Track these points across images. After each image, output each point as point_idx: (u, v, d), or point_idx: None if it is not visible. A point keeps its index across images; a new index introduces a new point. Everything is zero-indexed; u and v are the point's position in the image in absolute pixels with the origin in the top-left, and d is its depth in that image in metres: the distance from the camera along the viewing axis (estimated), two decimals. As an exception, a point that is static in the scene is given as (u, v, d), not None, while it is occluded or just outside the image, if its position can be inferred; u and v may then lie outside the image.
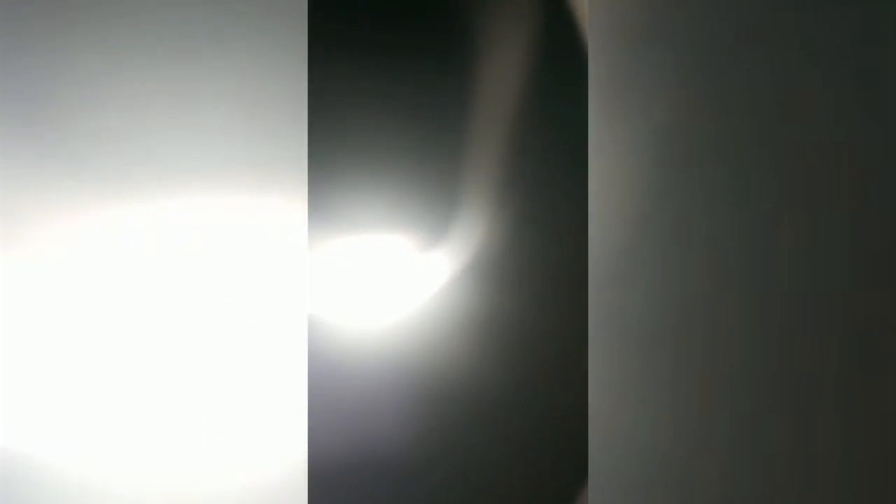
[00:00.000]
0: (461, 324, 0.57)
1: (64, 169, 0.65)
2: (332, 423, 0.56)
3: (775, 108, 0.67)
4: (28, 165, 0.65)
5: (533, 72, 0.58)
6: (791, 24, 0.67)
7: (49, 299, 0.65)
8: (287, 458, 0.65)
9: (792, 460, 0.67)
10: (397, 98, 0.56)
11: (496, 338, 0.57)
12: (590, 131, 0.67)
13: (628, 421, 0.67)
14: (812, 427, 0.67)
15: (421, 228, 0.56)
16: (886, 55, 0.67)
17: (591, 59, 0.67)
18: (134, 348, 0.66)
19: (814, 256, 0.67)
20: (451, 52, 0.57)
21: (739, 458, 0.67)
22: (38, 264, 0.65)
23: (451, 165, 0.56)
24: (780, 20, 0.67)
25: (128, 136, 0.65)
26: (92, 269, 0.65)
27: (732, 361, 0.67)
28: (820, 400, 0.67)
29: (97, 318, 0.65)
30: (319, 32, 0.56)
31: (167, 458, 0.65)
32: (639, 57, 0.67)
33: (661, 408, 0.67)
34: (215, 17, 0.65)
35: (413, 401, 0.56)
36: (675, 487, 0.67)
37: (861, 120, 0.67)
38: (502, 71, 0.57)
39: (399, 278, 0.56)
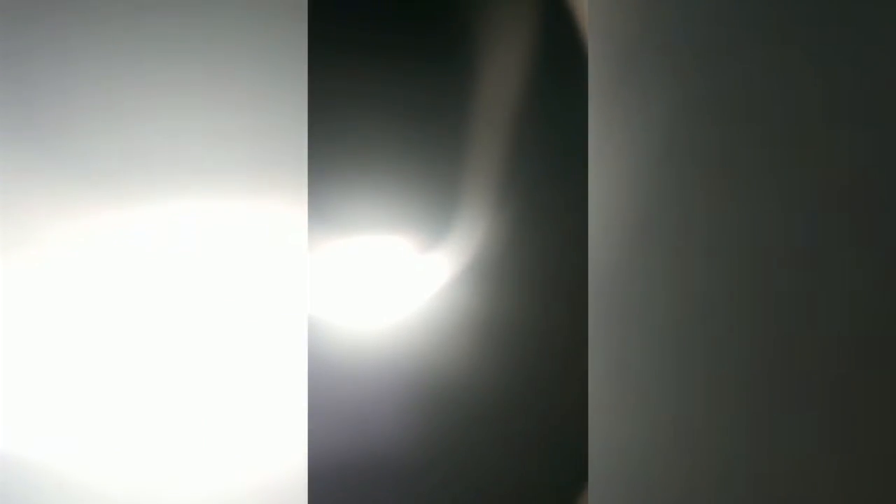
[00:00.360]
0: (461, 324, 0.57)
1: (64, 172, 0.65)
2: (332, 424, 0.56)
3: (775, 108, 0.67)
4: (29, 168, 0.65)
5: (533, 72, 0.58)
6: (790, 25, 0.67)
7: (50, 301, 0.65)
8: (287, 458, 0.65)
9: (792, 460, 0.67)
10: (397, 99, 0.56)
11: (496, 338, 0.57)
12: (590, 131, 0.67)
13: (628, 421, 0.67)
14: (812, 427, 0.67)
15: (421, 229, 0.56)
16: (886, 55, 0.67)
17: (591, 59, 0.67)
18: (134, 349, 0.66)
19: (814, 256, 0.67)
20: (451, 52, 0.57)
21: (739, 458, 0.67)
22: (38, 267, 0.65)
23: (451, 166, 0.56)
24: (779, 20, 0.67)
25: (127, 137, 0.65)
26: (92, 272, 0.65)
27: (732, 361, 0.67)
28: (820, 400, 0.67)
29: (98, 319, 0.66)
30: (319, 32, 0.56)
31: (167, 459, 0.66)
32: (639, 57, 0.67)
33: (661, 408, 0.67)
34: (215, 17, 0.65)
35: (413, 401, 0.56)
36: (675, 488, 0.67)
37: (861, 120, 0.67)
38: (502, 71, 0.57)
39: (399, 279, 0.56)
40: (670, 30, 0.67)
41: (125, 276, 0.65)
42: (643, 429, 0.67)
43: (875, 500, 0.67)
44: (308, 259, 0.56)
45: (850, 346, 0.67)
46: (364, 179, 0.56)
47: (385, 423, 0.56)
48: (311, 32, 0.56)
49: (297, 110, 0.66)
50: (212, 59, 0.65)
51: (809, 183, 0.67)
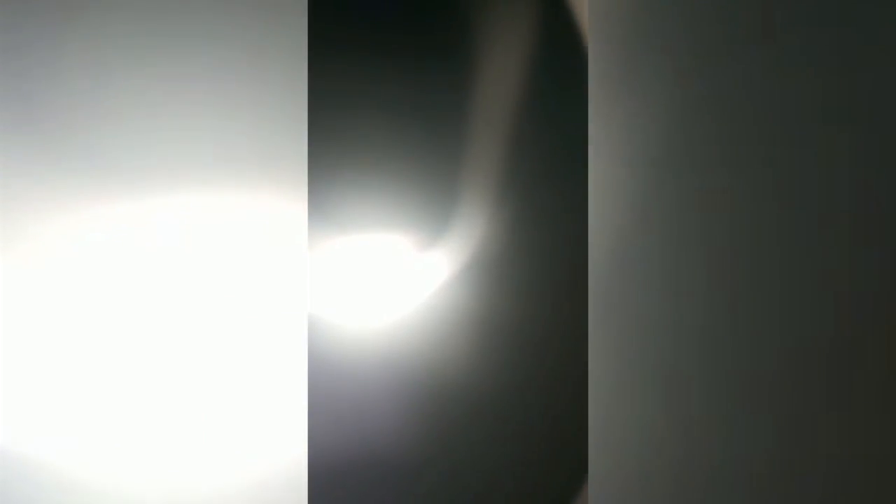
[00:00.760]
0: (461, 323, 0.57)
1: (64, 168, 0.65)
2: (332, 423, 0.56)
3: (774, 108, 0.67)
4: (29, 164, 0.65)
5: (533, 72, 0.58)
6: (790, 25, 0.67)
7: (49, 298, 0.65)
8: (287, 457, 0.66)
9: (791, 460, 0.67)
10: (397, 98, 0.57)
11: (496, 337, 0.57)
12: (590, 131, 0.67)
13: (628, 421, 0.67)
14: (812, 427, 0.67)
15: (421, 228, 0.56)
16: (886, 56, 0.67)
17: (591, 59, 0.67)
18: (134, 347, 0.66)
19: (813, 256, 0.67)
20: (450, 52, 0.57)
21: (739, 457, 0.67)
22: (38, 263, 0.65)
23: (451, 165, 0.56)
24: (778, 20, 0.67)
25: (128, 135, 0.65)
26: (92, 269, 0.65)
27: (732, 361, 0.67)
28: (820, 399, 0.67)
29: (97, 317, 0.66)
30: (319, 32, 0.56)
31: (167, 457, 0.66)
32: (639, 57, 0.67)
33: (661, 408, 0.67)
34: (215, 17, 0.65)
35: (413, 400, 0.56)
36: (675, 488, 0.67)
37: (860, 120, 0.67)
38: (502, 71, 0.57)
39: (399, 278, 0.56)
40: (670, 30, 0.67)
41: (125, 274, 0.66)
42: (643, 429, 0.67)
43: (874, 500, 0.67)
44: (308, 257, 0.56)
45: (851, 345, 0.67)
46: (364, 178, 0.56)
47: (385, 422, 0.56)
48: (311, 32, 0.57)
49: (297, 110, 0.66)
50: (212, 59, 0.65)
51: (809, 183, 0.67)
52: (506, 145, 0.57)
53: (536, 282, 0.57)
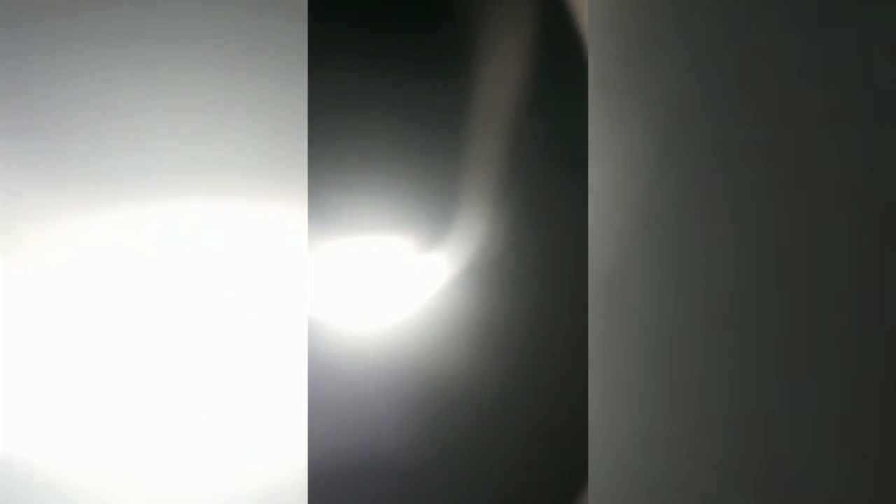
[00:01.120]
0: (461, 325, 0.57)
1: (64, 174, 0.65)
2: (332, 424, 0.56)
3: (774, 108, 0.67)
4: (28, 170, 0.65)
5: (533, 72, 0.58)
6: (790, 25, 0.67)
7: (50, 302, 0.65)
8: (287, 459, 0.66)
9: (792, 460, 0.67)
10: (397, 99, 0.56)
11: (496, 339, 0.57)
12: (590, 131, 0.67)
13: (628, 421, 0.67)
14: (812, 427, 0.67)
15: (421, 230, 0.56)
16: (886, 56, 0.67)
17: (591, 59, 0.67)
18: (135, 350, 0.66)
19: (813, 256, 0.67)
20: (450, 53, 0.57)
21: (739, 458, 0.67)
22: (39, 268, 0.65)
23: (451, 167, 0.56)
24: (778, 21, 0.67)
25: (127, 139, 0.65)
26: (93, 273, 0.65)
27: (732, 361, 0.67)
28: (820, 400, 0.67)
29: (98, 320, 0.66)
30: (319, 33, 0.56)
31: (168, 459, 0.66)
32: (639, 57, 0.67)
33: (661, 408, 0.67)
34: (215, 18, 0.65)
35: (413, 402, 0.56)
36: (675, 488, 0.67)
37: (861, 120, 0.67)
38: (502, 71, 0.57)
39: (399, 280, 0.56)
40: (670, 30, 0.67)
41: (125, 278, 0.66)
42: (643, 429, 0.67)
43: (874, 500, 0.67)
44: (308, 260, 0.56)
45: (851, 345, 0.67)
46: (364, 180, 0.56)
47: (385, 423, 0.56)
48: (311, 32, 0.56)
49: (297, 110, 0.66)
50: (212, 60, 0.65)
51: (809, 182, 0.67)
52: (506, 146, 0.57)
53: (537, 283, 0.57)
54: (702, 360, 0.67)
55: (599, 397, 0.67)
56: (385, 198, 0.56)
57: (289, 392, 0.65)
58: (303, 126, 0.66)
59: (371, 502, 0.56)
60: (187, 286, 0.66)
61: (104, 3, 0.65)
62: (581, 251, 0.58)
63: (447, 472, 0.56)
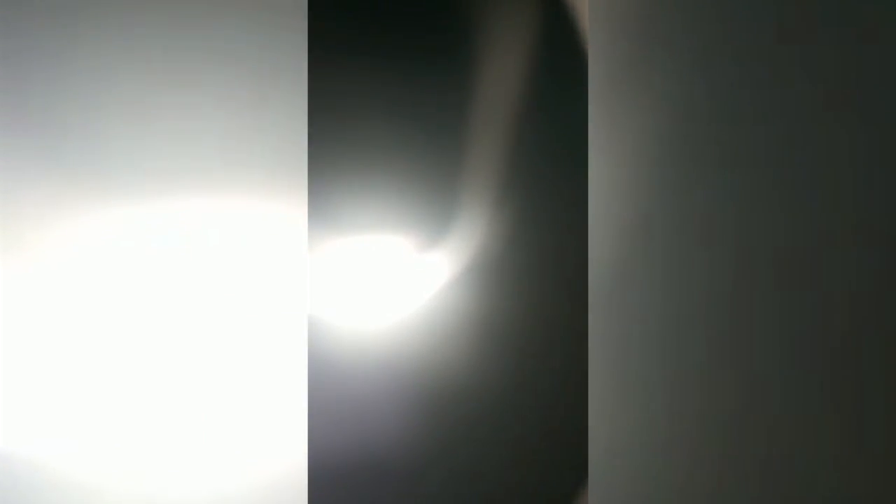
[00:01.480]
0: (461, 324, 0.57)
1: (64, 172, 0.65)
2: (332, 424, 0.56)
3: (774, 108, 0.67)
4: (28, 168, 0.65)
5: (533, 72, 0.58)
6: (790, 25, 0.67)
7: (50, 302, 0.65)
8: (287, 458, 0.66)
9: (792, 461, 0.67)
10: (397, 99, 0.56)
11: (496, 338, 0.57)
12: (590, 131, 0.67)
13: (628, 421, 0.67)
14: (812, 427, 0.67)
15: (421, 229, 0.56)
16: (886, 56, 0.67)
17: (591, 59, 0.67)
18: (135, 349, 0.66)
19: (813, 256, 0.67)
20: (450, 52, 0.57)
21: (739, 458, 0.67)
22: (38, 267, 0.65)
23: (451, 166, 0.56)
24: (779, 20, 0.67)
25: (127, 137, 0.65)
26: (92, 271, 0.65)
27: (732, 361, 0.67)
28: (821, 400, 0.67)
29: (97, 319, 0.66)
30: (319, 32, 0.56)
31: (167, 458, 0.66)
32: (639, 57, 0.67)
33: (662, 408, 0.67)
34: (215, 17, 0.65)
35: (413, 401, 0.56)
36: (675, 488, 0.67)
37: (860, 121, 0.67)
38: (502, 71, 0.57)
39: (399, 279, 0.56)
40: (670, 30, 0.67)
41: (125, 276, 0.66)
42: (643, 429, 0.67)
43: (874, 500, 0.67)
44: (308, 259, 0.56)
45: (852, 345, 0.67)
46: (364, 179, 0.56)
47: (385, 423, 0.56)
48: (311, 32, 0.56)
49: (297, 110, 0.66)
50: (212, 60, 0.65)
51: (809, 182, 0.67)
52: (506, 145, 0.57)
53: (537, 283, 0.57)
54: (702, 359, 0.67)
55: (599, 397, 0.67)
56: (385, 197, 0.56)
57: (289, 391, 0.65)
58: (303, 125, 0.66)
59: (371, 501, 0.56)
60: (187, 286, 0.66)
61: (103, 1, 0.65)
62: (581, 251, 0.58)
63: (447, 470, 0.56)
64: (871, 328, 0.67)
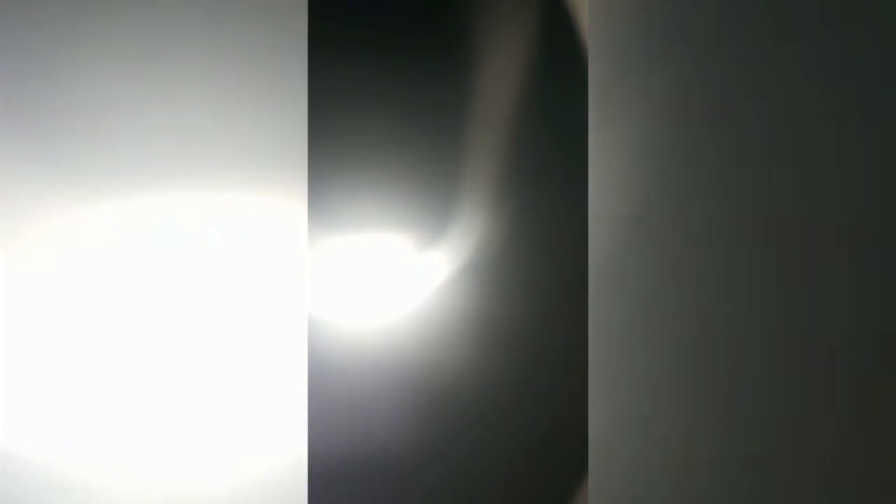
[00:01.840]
0: (460, 322, 0.57)
1: (63, 168, 0.65)
2: (332, 423, 0.56)
3: (774, 108, 0.67)
4: (27, 164, 0.65)
5: (533, 72, 0.58)
6: (790, 24, 0.67)
7: (48, 299, 0.65)
8: (287, 456, 0.66)
9: (791, 461, 0.67)
10: (397, 98, 0.56)
11: (495, 337, 0.57)
12: (590, 131, 0.67)
13: (628, 420, 0.67)
14: (811, 428, 0.67)
15: (420, 228, 0.56)
16: (885, 56, 0.67)
17: (591, 59, 0.67)
18: (134, 348, 0.66)
19: (812, 256, 0.67)
20: (450, 52, 0.57)
21: (738, 458, 0.67)
22: (36, 263, 0.65)
23: (451, 165, 0.57)
24: (778, 20, 0.67)
25: (127, 134, 0.65)
26: (91, 269, 0.65)
27: (732, 362, 0.67)
28: (819, 401, 0.67)
29: (96, 317, 0.66)
30: (319, 32, 0.56)
31: (167, 457, 0.66)
32: (639, 57, 0.67)
33: (661, 408, 0.67)
34: (215, 16, 0.65)
35: (413, 400, 0.56)
36: (675, 488, 0.67)
37: (859, 121, 0.67)
38: (502, 71, 0.57)
39: (398, 278, 0.56)
40: (670, 30, 0.67)
41: (124, 274, 0.66)
42: (643, 428, 0.67)
43: (874, 500, 0.67)
44: (308, 257, 0.56)
45: (852, 345, 0.67)
46: (363, 178, 0.56)
47: (385, 422, 0.56)
48: (311, 32, 0.57)
49: (297, 110, 0.66)
50: (212, 59, 0.65)
51: (809, 182, 0.67)
52: (506, 145, 0.57)
53: (536, 282, 0.57)
54: (701, 359, 0.67)
55: (599, 397, 0.67)
56: (385, 195, 0.56)
57: (289, 389, 0.65)
58: (303, 124, 0.66)
59: (370, 499, 0.56)
60: (187, 284, 0.66)
61: (102, 0, 0.65)
62: (581, 250, 0.58)
63: (446, 469, 0.56)
64: (868, 327, 0.67)
